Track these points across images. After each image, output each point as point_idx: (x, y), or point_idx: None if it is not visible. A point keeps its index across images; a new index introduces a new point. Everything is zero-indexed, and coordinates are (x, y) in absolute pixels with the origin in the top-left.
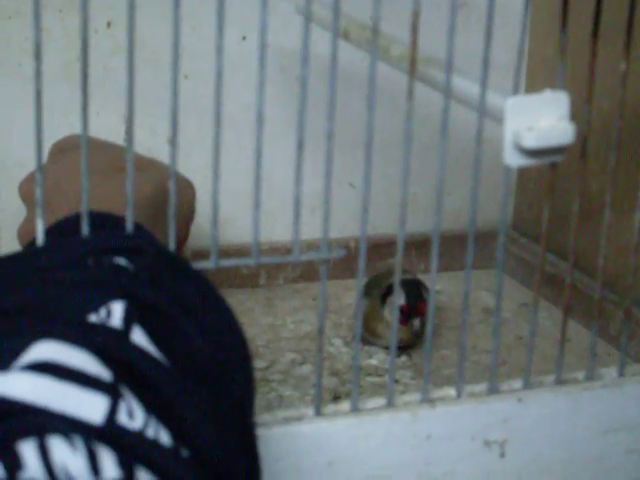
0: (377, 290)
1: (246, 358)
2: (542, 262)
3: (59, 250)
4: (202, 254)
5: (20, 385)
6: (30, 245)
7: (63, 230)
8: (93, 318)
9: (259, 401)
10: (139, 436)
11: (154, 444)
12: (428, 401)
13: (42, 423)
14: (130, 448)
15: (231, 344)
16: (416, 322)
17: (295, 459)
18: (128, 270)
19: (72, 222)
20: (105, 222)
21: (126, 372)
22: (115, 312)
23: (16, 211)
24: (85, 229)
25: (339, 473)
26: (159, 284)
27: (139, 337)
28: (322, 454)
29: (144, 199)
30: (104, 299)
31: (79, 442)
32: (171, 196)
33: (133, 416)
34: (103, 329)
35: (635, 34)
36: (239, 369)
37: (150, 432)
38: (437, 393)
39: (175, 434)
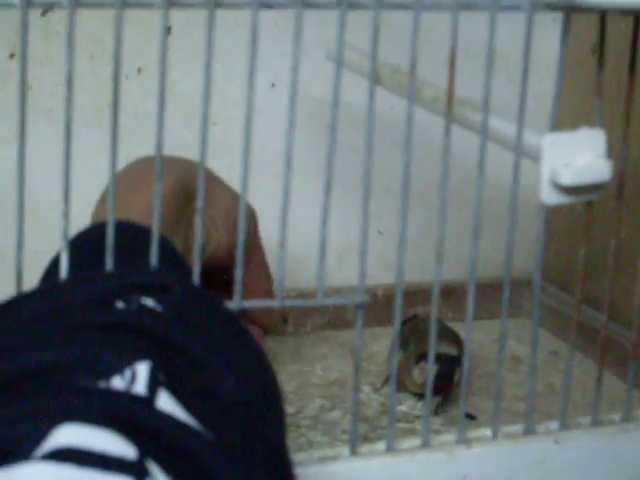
0: (413, 345)
1: (278, 398)
2: (578, 301)
3: (85, 285)
4: None
5: (42, 476)
6: (52, 271)
7: (87, 240)
8: (117, 382)
9: (289, 446)
10: None
11: None
12: (464, 441)
13: None
14: None
15: (263, 384)
16: (436, 399)
17: None
18: (157, 313)
19: (96, 232)
20: (128, 232)
21: (153, 442)
22: (140, 375)
23: (44, 253)
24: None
25: None
26: (188, 324)
27: (165, 402)
28: None
29: (166, 193)
30: (129, 359)
31: None
32: (196, 235)
33: None
34: (127, 398)
35: None
36: (273, 410)
37: None
38: (473, 434)
39: None
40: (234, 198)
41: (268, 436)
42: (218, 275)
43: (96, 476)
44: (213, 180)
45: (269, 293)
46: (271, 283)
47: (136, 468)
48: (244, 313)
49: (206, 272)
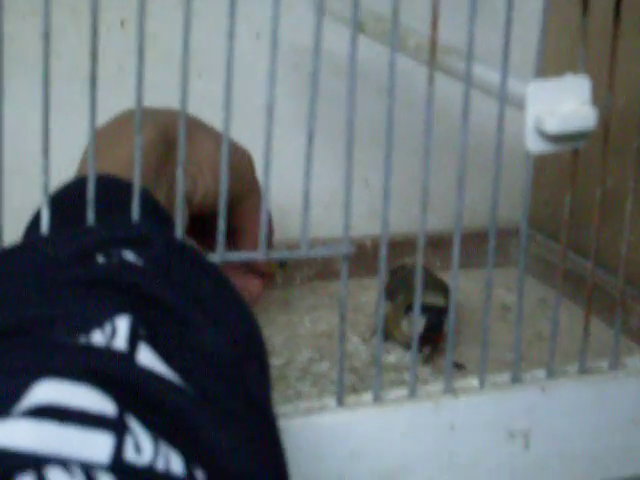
0: (402, 296)
1: (262, 350)
2: (564, 248)
3: (65, 240)
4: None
5: (21, 433)
6: (33, 227)
7: (68, 194)
8: (97, 336)
9: (277, 398)
10: (148, 471)
11: (165, 477)
12: (451, 391)
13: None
14: None
15: (245, 335)
16: (426, 349)
17: (317, 450)
18: (137, 267)
19: (77, 186)
20: (110, 186)
21: (133, 398)
22: (120, 330)
23: (27, 209)
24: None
25: (362, 463)
26: (169, 278)
27: (145, 356)
28: (344, 445)
29: (147, 143)
30: (110, 313)
31: (78, 471)
32: (178, 188)
33: (141, 449)
34: (107, 353)
35: None
36: (255, 362)
37: (160, 464)
38: (459, 383)
39: (191, 454)
40: (220, 141)
41: (250, 389)
42: (212, 222)
43: (75, 433)
44: (196, 126)
45: (269, 239)
46: (271, 228)
47: (115, 424)
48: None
49: (199, 219)
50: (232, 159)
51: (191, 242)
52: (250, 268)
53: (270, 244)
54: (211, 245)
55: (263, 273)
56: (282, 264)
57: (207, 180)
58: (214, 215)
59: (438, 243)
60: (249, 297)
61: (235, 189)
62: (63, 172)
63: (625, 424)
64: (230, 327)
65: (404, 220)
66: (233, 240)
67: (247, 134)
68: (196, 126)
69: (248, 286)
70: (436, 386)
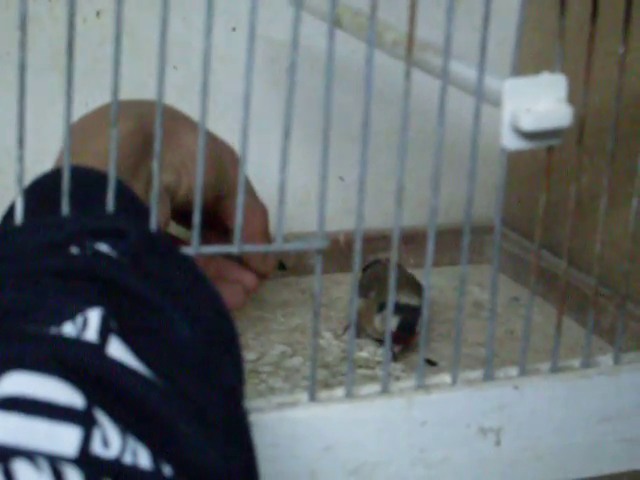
0: (375, 292)
1: (235, 344)
2: (538, 247)
3: (39, 231)
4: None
5: None
6: (9, 218)
7: (44, 185)
8: (69, 328)
9: (250, 392)
10: (115, 464)
11: (132, 471)
12: (423, 387)
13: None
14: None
15: (219, 328)
16: (396, 348)
17: (289, 444)
18: (111, 258)
19: (53, 177)
20: (85, 177)
21: (102, 390)
22: (91, 322)
23: (3, 199)
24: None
25: (334, 458)
26: (142, 270)
27: (116, 349)
28: (316, 440)
29: (125, 135)
30: (81, 305)
31: (44, 463)
32: (154, 181)
33: (108, 443)
34: (77, 345)
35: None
36: (228, 356)
37: (127, 458)
38: (432, 380)
39: (159, 448)
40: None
41: (222, 383)
42: (206, 216)
43: (42, 425)
44: (178, 119)
45: (265, 234)
46: (266, 222)
47: (83, 417)
48: (239, 259)
49: (186, 214)
50: (217, 154)
51: (167, 235)
52: (245, 264)
53: (268, 238)
54: (208, 239)
55: (257, 270)
56: (282, 266)
57: (191, 174)
58: (207, 209)
59: (412, 239)
60: (243, 290)
61: (221, 184)
62: (38, 164)
63: (596, 422)
64: (203, 320)
65: (378, 215)
66: (229, 239)
67: (223, 127)
68: (178, 119)
69: (243, 278)
70: (408, 382)
